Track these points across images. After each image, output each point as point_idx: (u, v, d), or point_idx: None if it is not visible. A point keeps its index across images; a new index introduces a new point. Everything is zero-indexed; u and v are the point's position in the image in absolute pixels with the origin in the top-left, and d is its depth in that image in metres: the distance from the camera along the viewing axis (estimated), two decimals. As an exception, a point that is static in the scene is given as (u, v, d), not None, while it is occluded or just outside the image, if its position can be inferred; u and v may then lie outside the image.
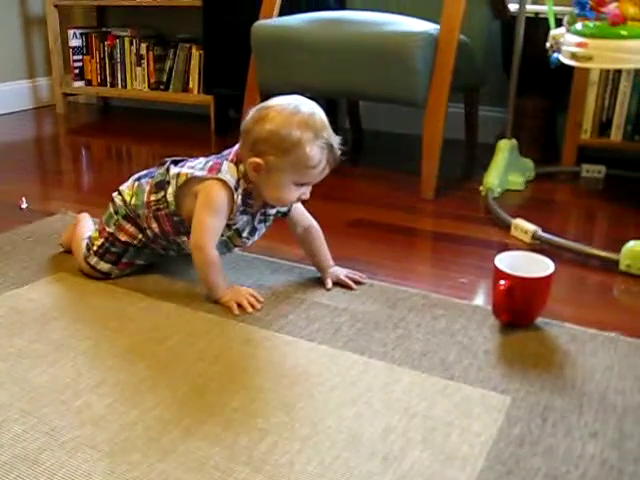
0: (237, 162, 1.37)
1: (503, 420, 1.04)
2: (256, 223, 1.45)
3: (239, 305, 1.37)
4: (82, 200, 2.17)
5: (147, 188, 1.46)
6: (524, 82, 2.36)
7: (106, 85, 3.62)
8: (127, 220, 1.48)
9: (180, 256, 1.54)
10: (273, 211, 1.46)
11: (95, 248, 1.49)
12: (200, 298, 1.42)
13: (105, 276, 1.50)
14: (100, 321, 1.33)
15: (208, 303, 1.40)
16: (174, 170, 1.43)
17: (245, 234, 1.44)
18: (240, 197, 1.37)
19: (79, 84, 3.65)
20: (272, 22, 2.40)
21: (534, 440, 0.99)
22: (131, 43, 3.51)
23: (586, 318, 1.38)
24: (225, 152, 1.42)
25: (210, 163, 1.39)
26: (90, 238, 1.53)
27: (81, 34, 3.59)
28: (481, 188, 2.18)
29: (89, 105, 3.88)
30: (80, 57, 3.62)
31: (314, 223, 1.51)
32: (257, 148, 1.32)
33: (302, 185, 1.35)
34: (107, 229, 1.50)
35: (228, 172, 1.36)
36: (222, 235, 1.41)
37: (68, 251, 1.62)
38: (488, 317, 1.35)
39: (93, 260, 1.49)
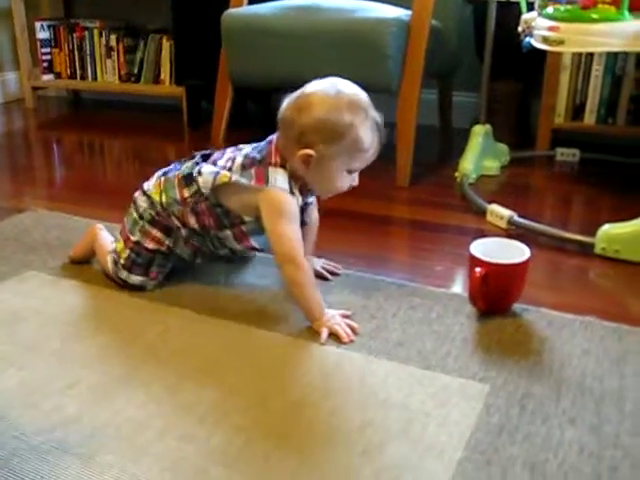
0: (281, 163, 1.27)
1: (481, 409, 1.03)
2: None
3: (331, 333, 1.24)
4: (53, 196, 2.14)
5: (176, 182, 1.36)
6: (497, 67, 2.35)
7: (76, 78, 3.55)
8: (153, 225, 1.39)
9: (206, 261, 1.47)
10: (310, 200, 1.39)
11: (123, 261, 1.40)
12: (175, 294, 1.40)
13: (140, 289, 1.41)
14: (72, 320, 1.30)
15: (185, 299, 1.37)
16: (207, 167, 1.33)
17: None
18: (300, 198, 1.29)
19: (48, 77, 3.58)
20: (242, 11, 2.37)
21: (513, 428, 0.99)
22: (100, 35, 3.45)
23: (563, 303, 1.38)
24: (256, 151, 1.31)
25: (252, 170, 1.28)
26: (116, 251, 1.43)
27: (48, 26, 3.52)
28: (456, 174, 2.17)
29: (59, 98, 3.82)
30: (48, 50, 3.54)
31: (315, 214, 1.46)
32: (306, 139, 1.22)
33: (354, 171, 1.29)
34: (132, 238, 1.40)
35: (277, 179, 1.26)
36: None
37: (77, 262, 1.55)
38: (465, 305, 1.34)
39: (123, 274, 1.41)
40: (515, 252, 1.31)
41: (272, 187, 1.26)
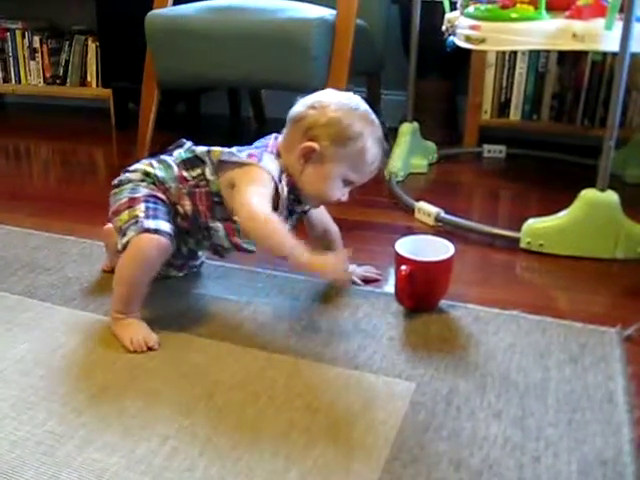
0: (277, 155, 1.27)
1: (408, 407, 1.03)
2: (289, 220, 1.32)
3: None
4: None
5: (174, 165, 1.30)
6: (424, 65, 2.38)
7: (-1, 81, 3.46)
8: (155, 186, 1.29)
9: (178, 276, 1.42)
10: (299, 209, 1.35)
11: (140, 213, 1.23)
12: (106, 302, 1.37)
13: (169, 239, 1.23)
14: (-10, 331, 1.26)
15: (108, 308, 1.34)
16: (202, 148, 1.30)
17: None
18: (286, 190, 1.26)
19: (-32, 81, 3.48)
20: (166, 12, 2.33)
21: (439, 425, 0.99)
22: (23, 36, 3.37)
23: (489, 298, 1.40)
24: (259, 144, 1.30)
25: (246, 152, 1.26)
26: (125, 220, 1.24)
27: (-32, 27, 3.42)
28: (385, 172, 2.18)
29: (-19, 103, 3.71)
30: (-32, 52, 3.45)
31: (334, 227, 1.45)
32: (312, 133, 1.22)
33: (348, 184, 1.28)
34: (136, 195, 1.27)
35: (267, 163, 1.24)
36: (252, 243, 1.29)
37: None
38: (392, 303, 1.34)
39: (152, 224, 1.21)
40: (440, 249, 1.32)
41: (259, 164, 1.23)
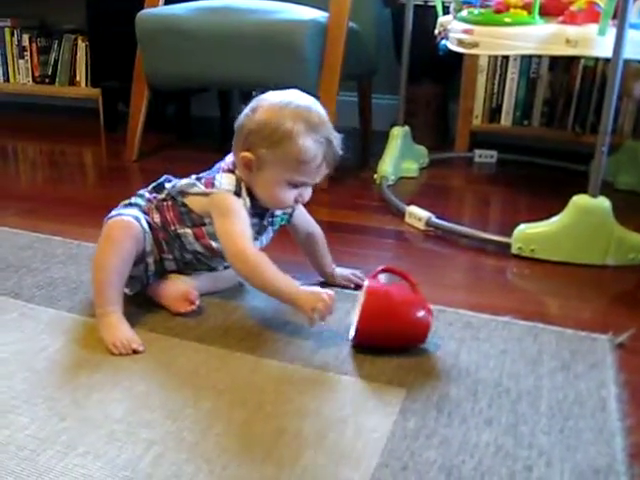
0: (231, 169, 1.27)
1: (398, 414, 1.02)
2: (266, 225, 1.34)
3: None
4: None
5: (145, 192, 1.37)
6: (416, 70, 2.37)
7: (-14, 79, 3.43)
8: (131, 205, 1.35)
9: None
10: (279, 212, 1.34)
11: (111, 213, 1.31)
12: (92, 303, 1.35)
13: (134, 220, 1.28)
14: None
15: (94, 310, 1.32)
16: (170, 182, 1.35)
17: (255, 239, 1.31)
18: (249, 199, 1.26)
19: (-44, 79, 3.44)
20: (157, 11, 2.32)
21: (429, 432, 0.98)
22: (12, 34, 3.34)
23: (480, 303, 1.39)
24: (216, 166, 1.32)
25: (203, 180, 1.29)
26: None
27: (-44, 25, 3.39)
28: (375, 176, 2.17)
29: (-31, 101, 3.68)
30: (-44, 50, 3.41)
31: (317, 229, 1.44)
32: (248, 141, 1.22)
33: (298, 186, 1.25)
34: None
35: (222, 182, 1.25)
36: None
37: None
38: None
39: (115, 213, 1.31)
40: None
41: (217, 190, 1.25)
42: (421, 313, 1.18)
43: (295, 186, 1.25)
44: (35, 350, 1.18)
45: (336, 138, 1.23)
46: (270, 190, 1.25)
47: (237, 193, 1.25)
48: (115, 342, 1.17)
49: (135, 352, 1.17)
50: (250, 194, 1.27)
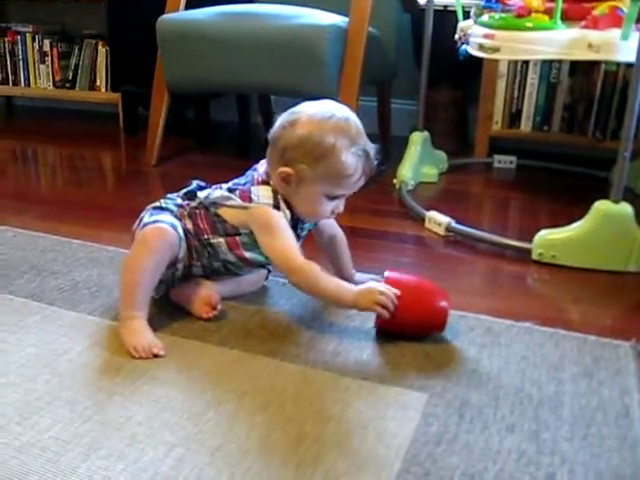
0: (266, 180, 1.26)
1: (420, 419, 1.01)
2: (299, 234, 1.31)
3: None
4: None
5: (176, 196, 1.36)
6: (435, 75, 2.37)
7: (8, 83, 3.46)
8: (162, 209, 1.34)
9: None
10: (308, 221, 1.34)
11: (144, 218, 1.31)
12: (114, 306, 1.35)
13: (171, 227, 1.27)
14: (-5, 335, 1.24)
15: (116, 313, 1.32)
16: (203, 191, 1.34)
17: None
18: (288, 211, 1.25)
19: (-22, 83, 3.48)
20: (178, 16, 2.33)
21: (451, 438, 0.97)
22: (33, 39, 3.37)
23: (501, 309, 1.38)
24: (248, 173, 1.31)
25: (237, 192, 1.28)
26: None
27: (-21, 30, 3.43)
28: (395, 181, 2.17)
29: (-9, 105, 3.71)
30: (-21, 54, 3.45)
31: (339, 231, 1.43)
32: (287, 156, 1.20)
33: (335, 197, 1.25)
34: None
35: (260, 195, 1.24)
36: (262, 254, 1.28)
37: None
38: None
39: (152, 220, 1.27)
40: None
41: (255, 204, 1.24)
42: (439, 300, 1.22)
43: (333, 198, 1.25)
44: (57, 353, 1.18)
45: (372, 149, 1.23)
46: (309, 204, 1.25)
47: (276, 206, 1.24)
48: (136, 346, 1.18)
49: (156, 356, 1.17)
50: (288, 206, 1.26)
